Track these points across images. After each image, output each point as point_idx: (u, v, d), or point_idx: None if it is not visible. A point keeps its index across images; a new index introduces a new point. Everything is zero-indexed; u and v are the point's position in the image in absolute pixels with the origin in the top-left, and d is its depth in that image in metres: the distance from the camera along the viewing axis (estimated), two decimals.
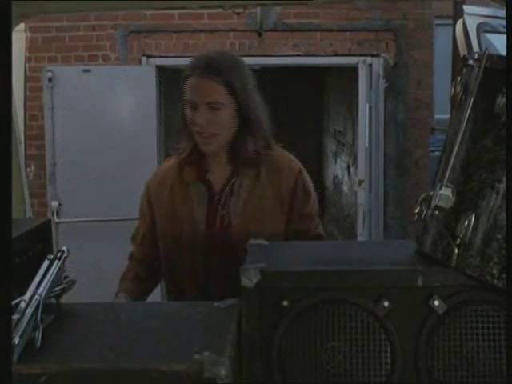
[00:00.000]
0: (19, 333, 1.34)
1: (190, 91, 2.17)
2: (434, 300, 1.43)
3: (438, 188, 1.45)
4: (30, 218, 2.57)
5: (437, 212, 1.45)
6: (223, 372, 1.26)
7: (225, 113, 2.16)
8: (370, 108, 6.18)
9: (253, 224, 2.17)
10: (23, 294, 1.48)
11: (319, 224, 2.34)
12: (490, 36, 4.13)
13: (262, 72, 6.87)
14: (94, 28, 6.19)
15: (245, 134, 2.20)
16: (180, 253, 2.23)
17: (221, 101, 2.15)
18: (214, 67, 2.15)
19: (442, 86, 5.58)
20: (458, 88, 1.51)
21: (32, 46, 6.20)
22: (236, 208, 2.21)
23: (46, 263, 1.53)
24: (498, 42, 3.82)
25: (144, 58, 6.26)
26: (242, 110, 2.18)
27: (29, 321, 1.39)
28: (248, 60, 6.92)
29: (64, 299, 1.63)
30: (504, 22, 1.45)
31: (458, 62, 1.70)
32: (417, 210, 1.51)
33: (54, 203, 5.79)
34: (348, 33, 6.23)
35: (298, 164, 2.32)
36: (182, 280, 2.25)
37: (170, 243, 2.26)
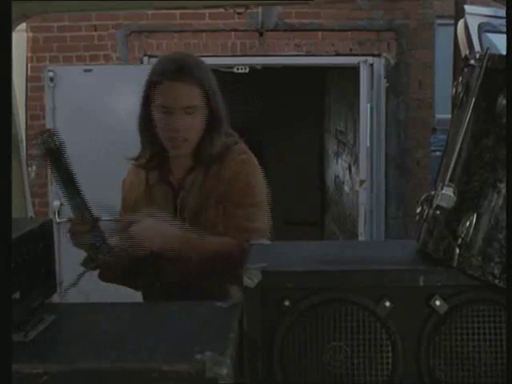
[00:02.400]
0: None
1: (162, 96, 2.13)
2: (436, 300, 1.43)
3: (439, 188, 1.45)
4: (31, 217, 2.57)
5: (438, 212, 1.45)
6: (225, 372, 1.26)
7: (200, 116, 2.14)
8: (372, 108, 6.18)
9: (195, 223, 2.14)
10: (24, 293, 1.48)
11: (257, 216, 2.17)
12: (491, 36, 4.12)
13: (264, 72, 6.89)
14: (95, 28, 6.19)
15: (212, 134, 2.18)
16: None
17: (196, 104, 2.13)
18: (186, 70, 2.12)
19: (444, 86, 5.58)
20: (460, 88, 1.51)
21: (33, 45, 6.21)
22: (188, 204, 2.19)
23: None
24: (500, 42, 3.81)
25: (145, 58, 6.27)
26: (212, 111, 2.16)
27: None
28: (249, 60, 6.94)
29: (64, 299, 1.64)
30: (505, 22, 1.45)
31: (460, 62, 1.70)
32: (418, 210, 1.51)
33: (56, 203, 5.78)
34: (349, 32, 6.23)
35: (246, 156, 2.22)
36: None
37: None
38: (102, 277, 2.24)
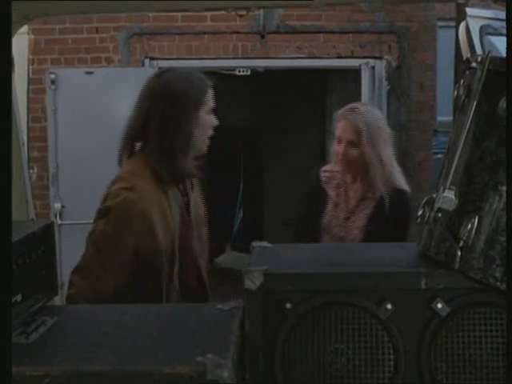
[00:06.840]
0: None
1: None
2: (437, 302, 1.42)
3: (441, 190, 1.45)
4: (32, 219, 2.57)
5: (440, 214, 1.45)
6: (226, 374, 1.26)
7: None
8: None
9: None
10: (25, 295, 1.48)
11: None
12: (492, 38, 4.12)
13: (265, 74, 6.88)
14: (96, 30, 6.19)
15: None
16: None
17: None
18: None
19: (445, 88, 5.58)
20: (461, 90, 1.51)
21: (35, 48, 6.21)
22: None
23: None
24: (501, 44, 3.81)
25: (147, 60, 6.26)
26: None
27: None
28: (251, 62, 6.92)
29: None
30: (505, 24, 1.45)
31: (461, 65, 1.70)
32: (420, 213, 1.51)
33: (57, 205, 5.78)
34: (351, 35, 6.22)
35: None
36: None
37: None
38: None
